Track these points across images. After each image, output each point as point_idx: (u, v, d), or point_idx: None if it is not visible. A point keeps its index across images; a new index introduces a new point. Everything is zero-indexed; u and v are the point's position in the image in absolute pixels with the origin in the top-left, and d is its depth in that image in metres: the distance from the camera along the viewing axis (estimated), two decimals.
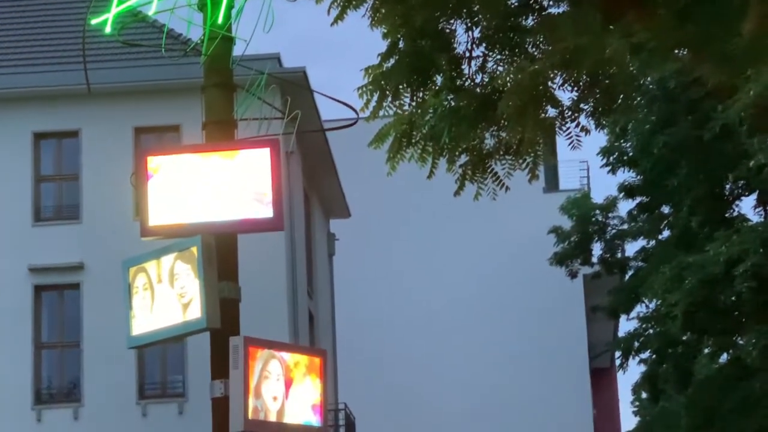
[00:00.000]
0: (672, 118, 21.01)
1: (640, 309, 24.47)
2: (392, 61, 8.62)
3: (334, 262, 28.60)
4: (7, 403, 21.53)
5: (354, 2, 8.38)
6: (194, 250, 7.43)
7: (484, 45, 8.70)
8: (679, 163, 20.99)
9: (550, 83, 8.36)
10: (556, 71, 8.30)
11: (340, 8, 8.45)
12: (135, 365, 21.73)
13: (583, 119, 8.69)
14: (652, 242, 24.27)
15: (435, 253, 33.99)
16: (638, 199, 23.96)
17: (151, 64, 22.02)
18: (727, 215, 21.39)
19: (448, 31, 8.68)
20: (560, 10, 8.62)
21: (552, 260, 25.82)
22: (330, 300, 28.11)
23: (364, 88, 8.65)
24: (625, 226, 25.31)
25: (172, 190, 7.66)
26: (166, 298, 7.52)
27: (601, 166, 23.59)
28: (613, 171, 23.41)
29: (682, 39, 8.16)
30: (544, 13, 8.65)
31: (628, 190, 23.73)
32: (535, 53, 8.53)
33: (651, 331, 23.30)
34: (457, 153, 8.81)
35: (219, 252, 7.55)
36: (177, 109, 21.49)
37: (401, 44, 8.59)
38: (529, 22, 8.70)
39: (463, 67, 8.75)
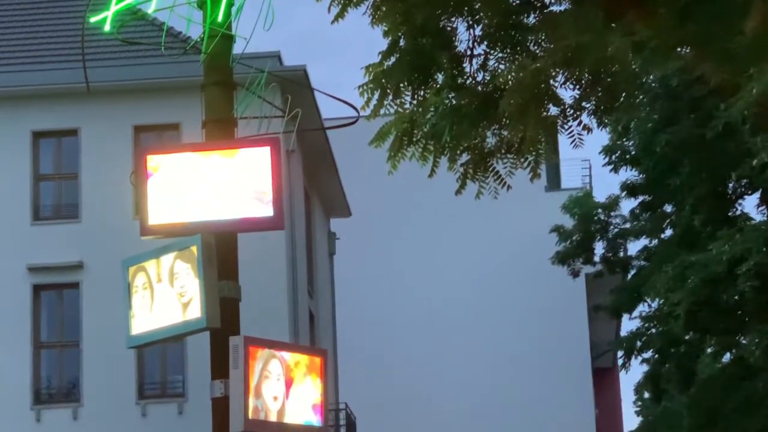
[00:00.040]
0: (674, 117, 20.97)
1: (642, 308, 24.44)
2: (393, 59, 8.60)
3: (334, 261, 28.57)
4: (6, 403, 21.50)
5: (354, 0, 8.35)
6: (194, 249, 7.41)
7: (485, 43, 8.68)
8: (681, 161, 20.95)
9: (551, 81, 8.34)
10: (557, 69, 8.28)
11: (340, 6, 8.43)
12: (135, 365, 21.71)
13: (585, 117, 8.67)
14: (655, 241, 24.23)
15: (436, 253, 33.97)
16: (640, 198, 23.92)
17: (150, 63, 21.99)
18: (729, 214, 21.34)
19: (449, 29, 8.65)
20: (562, 8, 8.59)
21: (554, 259, 25.77)
22: (330, 299, 28.09)
23: (365, 87, 8.62)
24: (628, 225, 25.27)
25: (171, 188, 7.63)
26: (166, 297, 7.50)
27: (603, 165, 23.56)
28: (616, 170, 23.36)
29: (684, 37, 8.13)
30: (545, 11, 8.63)
31: (630, 189, 23.68)
32: (537, 51, 8.50)
33: (653, 330, 23.25)
34: (458, 152, 8.79)
35: (219, 251, 7.52)
36: (177, 107, 21.46)
37: (402, 42, 8.57)
38: (531, 20, 8.68)
39: (464, 65, 8.73)
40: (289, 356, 7.58)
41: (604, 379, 38.05)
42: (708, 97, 19.30)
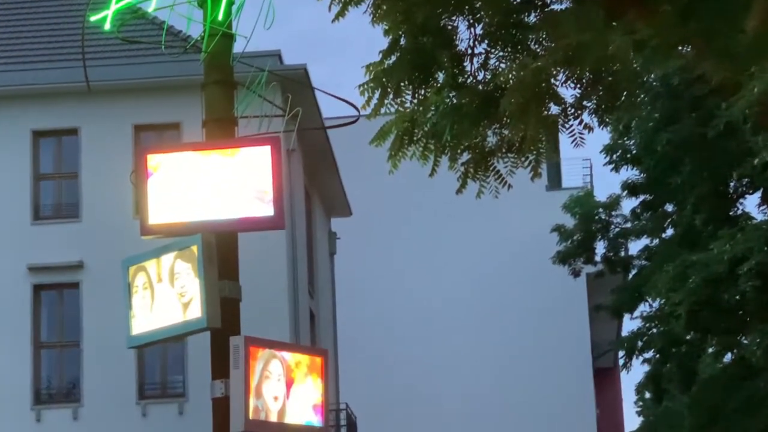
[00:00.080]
0: (675, 116, 20.94)
1: (643, 308, 24.40)
2: (394, 58, 8.59)
3: (335, 260, 28.54)
4: (6, 403, 21.48)
5: None
6: (194, 248, 7.39)
7: (486, 42, 8.67)
8: (682, 160, 20.92)
9: (552, 80, 8.33)
10: (558, 68, 8.26)
11: (341, 5, 8.42)
12: (135, 365, 21.69)
13: (586, 116, 8.67)
14: (656, 241, 24.19)
15: (437, 252, 33.95)
16: (642, 197, 23.88)
17: (150, 62, 21.97)
18: (731, 213, 21.31)
19: (450, 27, 8.64)
20: (563, 7, 8.58)
21: (555, 259, 25.74)
22: (331, 299, 28.07)
23: (366, 86, 8.61)
24: (629, 225, 25.22)
25: (172, 188, 7.63)
26: (166, 297, 7.49)
27: (605, 164, 23.52)
28: (617, 169, 23.33)
29: (685, 36, 8.11)
30: (546, 9, 8.61)
31: (631, 188, 23.65)
32: (538, 50, 8.49)
33: (654, 330, 23.21)
34: (459, 151, 8.77)
35: (219, 251, 7.50)
36: (177, 106, 21.44)
37: (403, 41, 8.55)
38: (532, 18, 8.67)
39: (465, 64, 8.72)
40: (289, 356, 7.56)
41: (605, 379, 38.03)
42: (709, 96, 19.27)
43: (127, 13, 8.16)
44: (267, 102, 7.97)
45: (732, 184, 21.36)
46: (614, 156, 23.26)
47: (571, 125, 8.64)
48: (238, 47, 7.96)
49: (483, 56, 8.71)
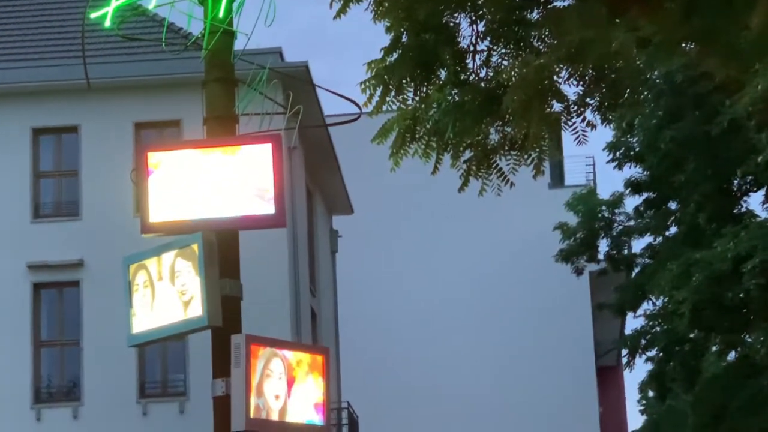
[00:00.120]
0: (679, 113, 20.91)
1: (646, 306, 24.36)
2: (395, 55, 8.58)
3: (336, 258, 28.51)
4: (6, 402, 21.45)
5: None
6: (195, 247, 7.36)
7: (488, 39, 8.65)
8: (686, 158, 20.89)
9: (555, 77, 8.32)
10: (561, 65, 8.25)
11: (342, 2, 8.40)
12: (135, 364, 21.65)
13: (589, 114, 8.65)
14: (659, 239, 24.15)
15: (439, 250, 33.92)
16: (645, 195, 23.84)
17: (151, 59, 21.93)
18: (734, 211, 21.28)
19: (452, 24, 8.62)
20: (565, 4, 8.56)
21: (557, 257, 25.69)
22: (333, 297, 28.03)
23: (367, 83, 8.59)
24: (632, 223, 25.17)
25: (172, 186, 7.60)
26: (167, 295, 7.46)
27: (608, 162, 23.49)
28: (620, 166, 23.30)
29: (688, 32, 8.09)
30: (549, 6, 8.59)
31: (634, 186, 23.62)
32: (541, 47, 8.47)
33: (658, 328, 23.17)
34: (461, 148, 8.76)
35: (220, 249, 7.48)
36: (178, 104, 21.41)
37: (404, 38, 8.54)
38: (534, 15, 8.65)
39: (467, 61, 8.70)
40: (290, 355, 7.53)
41: (608, 377, 37.98)
42: (713, 93, 19.23)
43: (128, 10, 8.13)
44: (268, 99, 7.94)
45: (736, 181, 21.33)
46: (617, 153, 23.22)
47: (574, 123, 8.62)
48: (239, 44, 7.94)
49: (485, 53, 8.69)
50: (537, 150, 8.71)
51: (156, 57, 21.59)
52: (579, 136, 8.69)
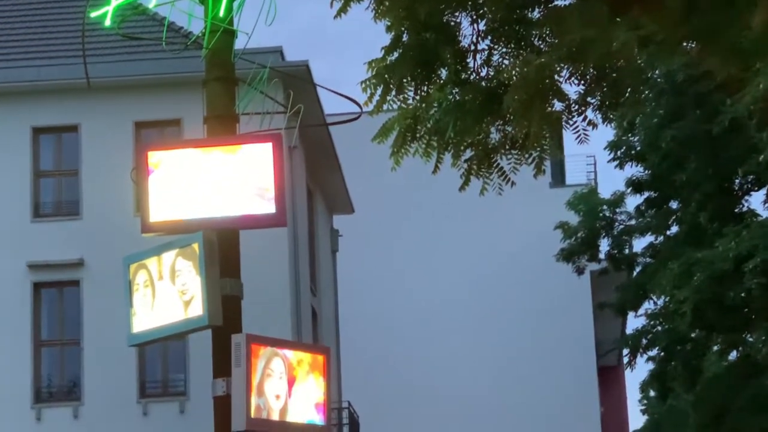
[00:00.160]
0: (680, 112, 20.89)
1: (648, 306, 24.32)
2: (396, 54, 8.56)
3: (337, 258, 28.49)
4: (6, 402, 21.44)
5: None
6: (196, 246, 7.35)
7: (489, 38, 8.64)
8: (687, 157, 20.87)
9: (556, 77, 8.31)
10: (562, 64, 8.24)
11: (343, 1, 8.39)
12: (136, 363, 21.64)
13: (590, 113, 8.65)
14: (661, 238, 24.13)
15: (440, 250, 33.90)
16: (646, 194, 23.82)
17: (151, 58, 21.92)
18: (736, 210, 21.26)
19: (452, 23, 8.61)
20: (567, 3, 8.54)
21: (558, 256, 25.67)
22: (333, 297, 28.02)
23: (368, 82, 8.58)
24: (633, 222, 25.15)
25: (173, 185, 7.59)
26: (168, 295, 7.45)
27: (609, 161, 23.46)
28: (621, 166, 23.27)
29: (689, 31, 8.07)
30: (550, 5, 8.58)
31: (635, 185, 23.59)
32: (542, 46, 8.46)
33: (659, 328, 23.15)
34: (462, 147, 8.75)
35: (221, 248, 7.46)
36: (178, 103, 21.40)
37: (405, 37, 8.53)
38: (535, 14, 8.64)
39: (468, 60, 8.69)
40: (291, 354, 7.52)
41: (610, 377, 37.95)
42: (714, 92, 19.22)
43: (128, 9, 8.12)
44: (269, 99, 7.93)
45: (737, 180, 21.31)
46: (618, 153, 23.20)
47: (575, 122, 8.62)
48: (239, 44, 7.92)
49: (486, 52, 8.68)
50: (538, 149, 8.70)
51: (156, 56, 21.58)
52: (580, 135, 8.68)
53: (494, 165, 8.89)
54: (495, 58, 8.67)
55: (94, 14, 8.05)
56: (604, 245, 25.67)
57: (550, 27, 8.37)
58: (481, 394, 32.62)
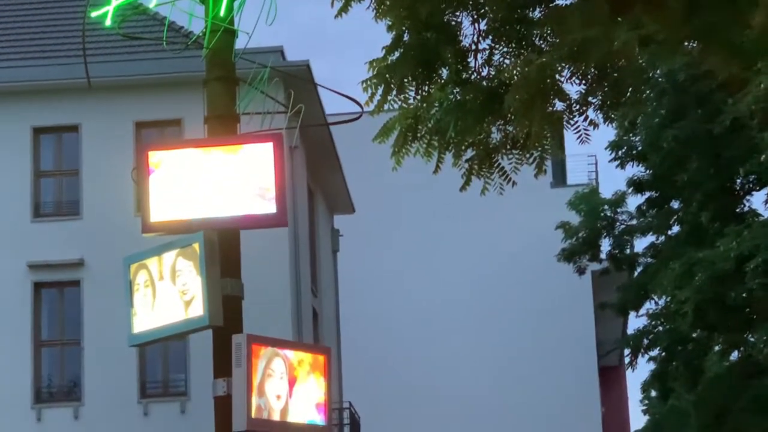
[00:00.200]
0: (682, 112, 20.88)
1: (649, 306, 24.31)
2: (397, 54, 8.56)
3: (338, 258, 28.48)
4: (6, 402, 21.43)
5: None
6: (196, 246, 7.34)
7: (490, 37, 8.63)
8: (689, 157, 20.87)
9: (557, 76, 8.29)
10: (563, 64, 8.23)
11: (343, 0, 8.36)
12: (136, 363, 21.63)
13: (591, 113, 8.63)
14: (662, 238, 24.11)
15: (441, 250, 33.89)
16: (647, 194, 23.81)
17: (152, 58, 21.92)
18: (737, 210, 21.25)
19: (453, 23, 8.60)
20: (568, 2, 8.53)
21: (559, 256, 25.66)
22: (334, 297, 28.01)
23: (369, 82, 8.57)
24: (634, 222, 25.14)
25: (173, 185, 7.58)
26: (168, 295, 7.44)
27: (610, 161, 23.45)
28: (622, 165, 23.27)
29: (691, 31, 8.07)
30: (551, 4, 8.57)
31: (637, 185, 23.59)
32: (543, 46, 8.45)
33: (660, 328, 23.14)
34: (463, 147, 8.74)
35: (221, 248, 7.45)
36: (178, 103, 21.39)
37: (406, 37, 8.52)
38: (536, 14, 8.63)
39: (469, 60, 8.68)
40: (292, 354, 7.51)
41: (611, 377, 37.94)
42: (715, 91, 19.23)
43: (128, 9, 8.11)
44: (269, 98, 7.92)
45: (738, 180, 21.30)
46: (620, 152, 23.19)
47: (576, 121, 8.60)
48: (240, 43, 7.91)
49: (487, 52, 8.67)
50: (539, 149, 8.69)
51: (157, 56, 21.58)
52: (581, 135, 8.67)
53: (495, 165, 8.88)
54: (496, 57, 8.66)
55: (94, 14, 8.04)
56: (606, 245, 25.66)
57: (551, 26, 8.36)
58: (482, 394, 32.60)
